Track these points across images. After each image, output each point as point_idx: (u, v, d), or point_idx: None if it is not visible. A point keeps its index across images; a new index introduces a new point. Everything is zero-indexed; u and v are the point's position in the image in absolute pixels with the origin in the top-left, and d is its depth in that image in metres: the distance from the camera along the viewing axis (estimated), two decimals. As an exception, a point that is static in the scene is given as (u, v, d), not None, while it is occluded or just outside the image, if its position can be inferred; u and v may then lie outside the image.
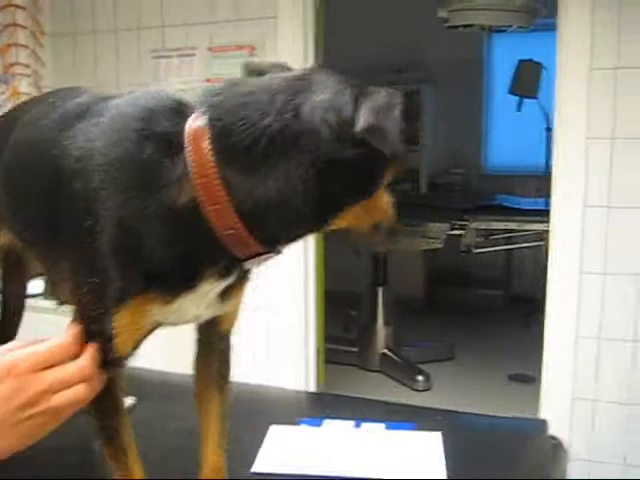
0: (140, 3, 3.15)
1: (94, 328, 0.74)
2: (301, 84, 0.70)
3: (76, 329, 0.74)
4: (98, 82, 3.23)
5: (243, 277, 0.82)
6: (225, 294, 0.80)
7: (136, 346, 0.78)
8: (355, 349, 4.44)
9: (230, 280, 0.78)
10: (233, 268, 0.76)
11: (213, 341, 0.91)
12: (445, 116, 5.67)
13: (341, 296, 4.70)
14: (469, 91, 5.61)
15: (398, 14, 5.16)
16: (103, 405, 0.79)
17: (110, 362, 0.76)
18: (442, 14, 3.78)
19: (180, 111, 0.72)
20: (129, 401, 1.25)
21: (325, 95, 0.68)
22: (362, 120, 0.66)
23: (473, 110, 5.72)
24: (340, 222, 0.75)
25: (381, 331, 4.37)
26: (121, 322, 0.74)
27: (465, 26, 3.92)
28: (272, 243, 0.74)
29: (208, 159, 0.68)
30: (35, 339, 0.74)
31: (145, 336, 0.78)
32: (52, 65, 3.32)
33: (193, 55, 3.08)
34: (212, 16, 3.02)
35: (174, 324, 0.80)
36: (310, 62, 3.01)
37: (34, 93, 3.17)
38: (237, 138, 0.68)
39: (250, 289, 0.85)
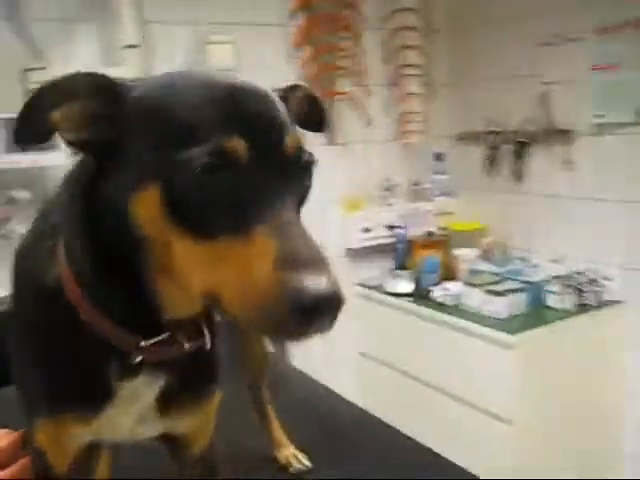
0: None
1: (28, 440, 0.73)
2: None
3: (16, 437, 0.75)
4: (487, 75, 3.12)
5: (196, 391, 0.71)
6: (167, 408, 0.70)
7: (76, 464, 0.73)
8: None
9: (155, 385, 0.67)
10: (133, 365, 0.64)
11: (185, 468, 0.80)
12: None
13: None
14: None
15: None
16: None
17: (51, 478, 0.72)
18: None
19: None
20: (298, 465, 1.20)
21: None
22: None
23: None
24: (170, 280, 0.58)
25: None
26: (42, 439, 0.70)
27: None
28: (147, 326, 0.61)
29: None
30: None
31: (85, 453, 0.73)
32: (446, 63, 3.32)
33: (578, 40, 2.70)
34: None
35: (116, 440, 0.74)
36: None
37: (424, 93, 3.23)
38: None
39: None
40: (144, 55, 2.52)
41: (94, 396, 0.65)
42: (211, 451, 0.79)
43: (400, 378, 2.94)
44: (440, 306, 2.79)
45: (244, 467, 1.20)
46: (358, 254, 3.18)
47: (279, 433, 1.25)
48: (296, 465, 1.21)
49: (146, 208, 0.54)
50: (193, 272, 0.53)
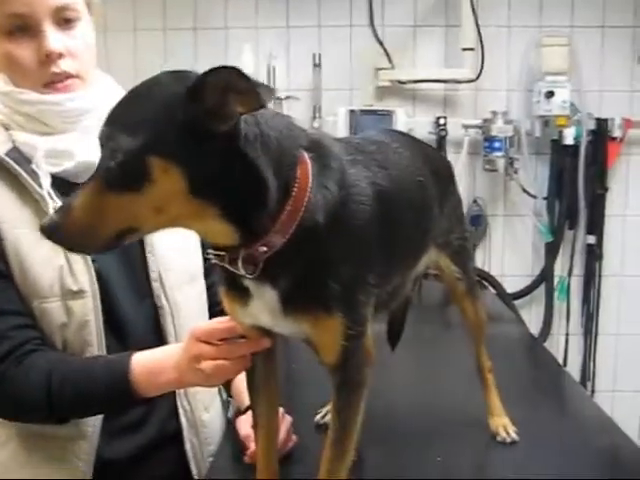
0: None
1: None
2: None
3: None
4: None
5: (306, 308, 0.86)
6: (287, 313, 0.86)
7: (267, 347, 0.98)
8: None
9: (264, 289, 0.85)
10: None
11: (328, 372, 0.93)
12: None
13: None
14: None
15: None
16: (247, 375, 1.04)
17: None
18: None
19: None
20: (504, 435, 1.26)
21: None
22: None
23: None
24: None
25: None
26: (225, 302, 0.95)
27: None
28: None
29: None
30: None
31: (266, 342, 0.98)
32: None
33: None
34: None
35: (271, 330, 0.94)
36: None
37: None
38: None
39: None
40: (480, 58, 2.69)
41: (242, 288, 0.87)
42: (341, 370, 0.91)
43: None
44: None
45: (451, 427, 1.32)
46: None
47: (495, 401, 1.31)
48: (503, 435, 1.27)
49: None
50: None
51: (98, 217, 0.75)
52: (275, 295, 0.85)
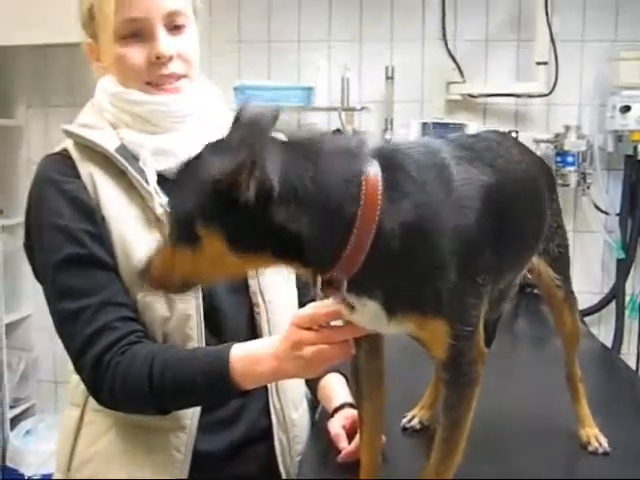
0: None
1: None
2: None
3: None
4: None
5: (405, 311, 0.86)
6: (390, 317, 0.86)
7: (366, 342, 1.00)
8: None
9: (364, 301, 0.85)
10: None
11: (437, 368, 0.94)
12: None
13: None
14: None
15: None
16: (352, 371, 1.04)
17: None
18: None
19: None
20: (596, 445, 1.25)
21: None
22: None
23: None
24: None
25: None
26: None
27: None
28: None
29: None
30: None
31: (374, 335, 0.98)
32: None
33: None
34: None
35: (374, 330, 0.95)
36: None
37: None
38: None
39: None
40: (553, 72, 2.68)
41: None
42: (452, 368, 0.91)
43: None
44: None
45: (540, 437, 1.30)
46: None
47: (585, 411, 1.29)
48: (595, 445, 1.25)
49: None
50: None
51: (168, 269, 0.87)
52: (376, 305, 0.86)
